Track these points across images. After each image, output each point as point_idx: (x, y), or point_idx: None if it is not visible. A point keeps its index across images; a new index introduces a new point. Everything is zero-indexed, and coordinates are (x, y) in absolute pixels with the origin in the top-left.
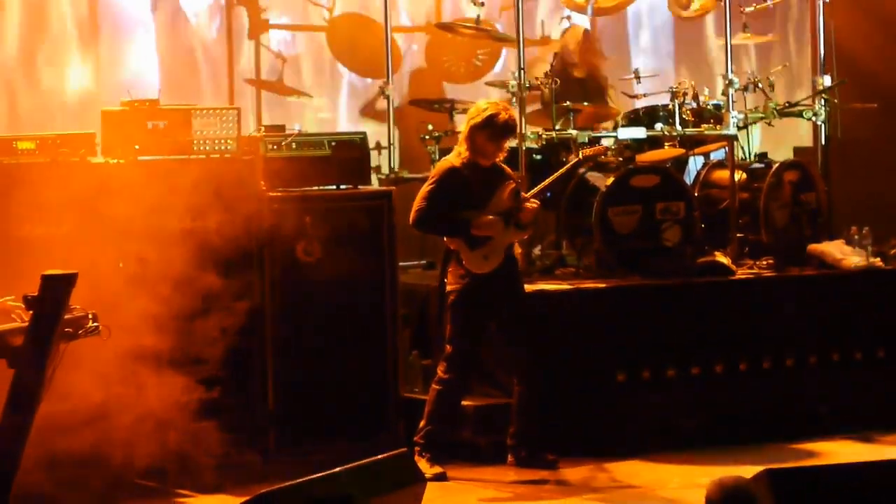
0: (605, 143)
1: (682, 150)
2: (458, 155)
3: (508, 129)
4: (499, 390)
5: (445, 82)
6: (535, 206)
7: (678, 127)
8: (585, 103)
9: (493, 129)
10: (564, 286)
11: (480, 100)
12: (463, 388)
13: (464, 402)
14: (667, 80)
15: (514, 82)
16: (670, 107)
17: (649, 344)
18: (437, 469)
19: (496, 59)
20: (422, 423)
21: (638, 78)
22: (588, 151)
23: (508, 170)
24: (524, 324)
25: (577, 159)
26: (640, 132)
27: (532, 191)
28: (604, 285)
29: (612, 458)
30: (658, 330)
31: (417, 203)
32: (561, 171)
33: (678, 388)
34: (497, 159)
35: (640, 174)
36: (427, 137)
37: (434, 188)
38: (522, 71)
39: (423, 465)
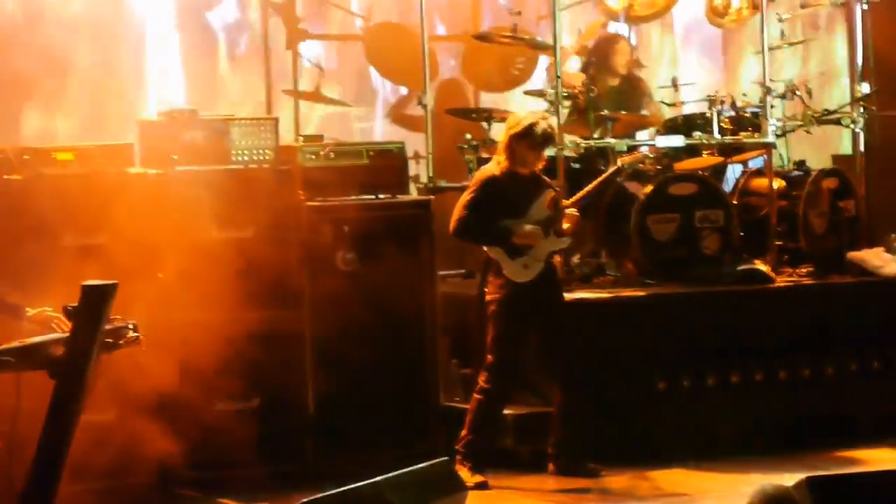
0: (643, 150)
1: (720, 159)
2: (497, 164)
3: (548, 138)
4: (539, 399)
5: (482, 91)
6: (575, 214)
7: (716, 135)
8: (623, 112)
9: (532, 138)
10: (603, 294)
11: (518, 109)
12: (504, 398)
13: (505, 411)
14: (706, 89)
15: (551, 91)
16: (708, 115)
17: (689, 352)
18: (479, 478)
19: (533, 68)
20: (463, 432)
21: (676, 86)
22: (627, 159)
23: (547, 179)
24: (564, 332)
25: (615, 167)
26: (678, 140)
27: (571, 199)
28: (643, 293)
29: (654, 467)
30: (697, 338)
31: (457, 212)
32: (600, 179)
33: (718, 396)
34: (536, 168)
35: (679, 182)
36: (464, 147)
37: (474, 197)
38: (559, 80)
39: (465, 473)
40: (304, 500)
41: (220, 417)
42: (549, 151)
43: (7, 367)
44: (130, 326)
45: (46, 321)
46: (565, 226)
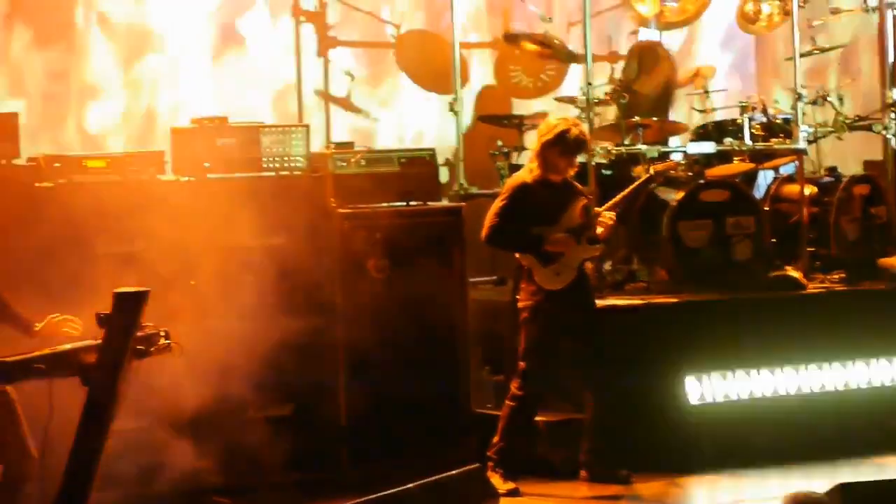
0: (675, 157)
1: (751, 165)
2: (529, 171)
3: (580, 144)
4: (572, 406)
5: (514, 98)
6: (611, 220)
7: (748, 141)
8: (654, 118)
9: (564, 144)
10: (635, 301)
11: (551, 116)
12: (536, 405)
13: (537, 418)
14: (737, 95)
15: (582, 98)
16: (739, 121)
17: (721, 358)
18: (511, 485)
19: (564, 75)
20: (495, 439)
21: (706, 92)
22: (659, 167)
23: (579, 186)
24: (596, 339)
25: (647, 175)
26: (709, 147)
27: (605, 206)
28: (675, 300)
29: (686, 474)
30: (730, 344)
31: (489, 219)
32: (632, 186)
33: (750, 402)
34: (568, 175)
35: (710, 189)
36: (496, 153)
37: (506, 204)
38: (590, 86)
39: (497, 480)
40: None
41: (253, 425)
42: (580, 158)
43: (39, 374)
44: (162, 333)
45: (56, 328)
46: (599, 231)
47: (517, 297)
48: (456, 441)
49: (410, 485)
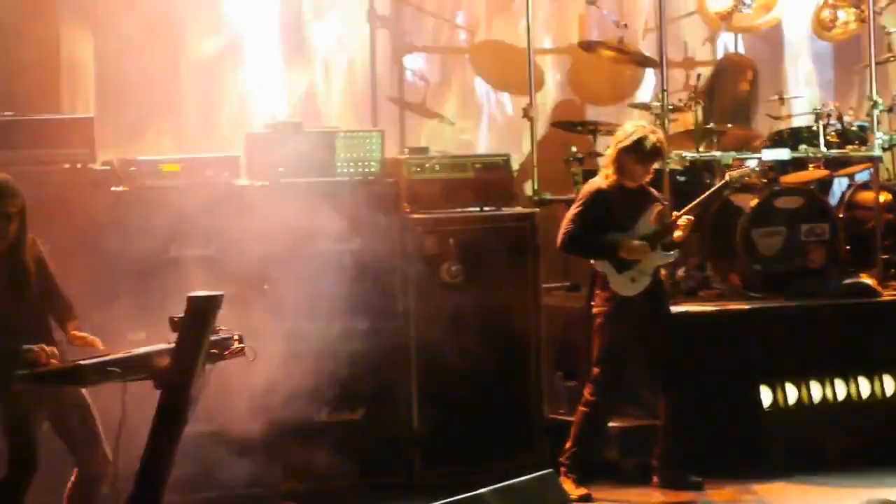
0: (750, 164)
1: (826, 172)
2: (604, 177)
3: (657, 152)
4: (644, 412)
5: (588, 104)
6: (686, 227)
7: (822, 148)
8: (729, 125)
9: (641, 152)
10: (709, 308)
11: (628, 122)
12: (609, 410)
13: (610, 424)
14: (813, 102)
15: (657, 104)
16: (814, 128)
17: (794, 365)
18: (583, 490)
19: (639, 81)
20: (568, 445)
21: (782, 100)
22: (734, 174)
23: (655, 192)
24: (670, 346)
25: (723, 181)
26: (784, 154)
27: (681, 212)
28: (748, 307)
29: (758, 481)
30: (803, 352)
31: (565, 225)
32: (708, 192)
33: (824, 409)
34: (644, 182)
35: (785, 196)
36: (570, 159)
37: (581, 210)
38: (666, 93)
39: (569, 486)
40: None
41: (324, 429)
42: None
43: (114, 377)
44: (236, 337)
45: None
46: (677, 235)
47: (592, 303)
48: (529, 446)
49: (483, 490)
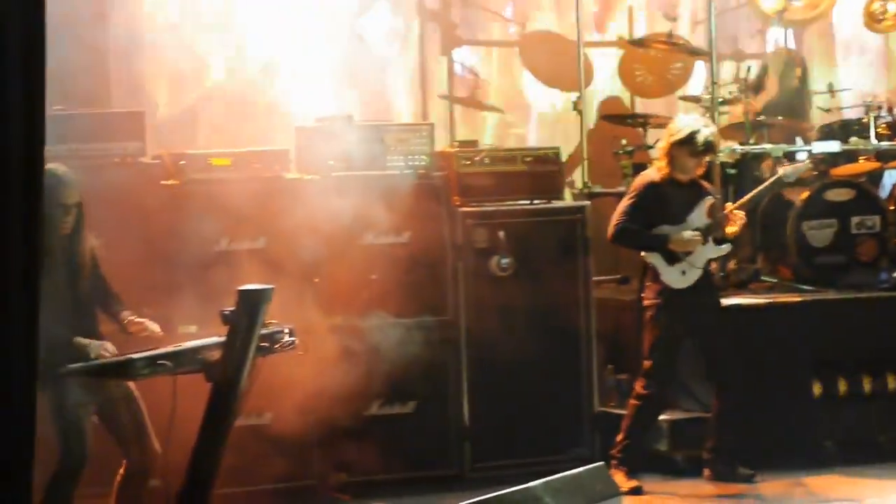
0: (801, 158)
1: (877, 164)
2: (657, 170)
3: (709, 146)
4: (696, 404)
5: (638, 97)
6: (739, 220)
7: (873, 140)
8: (780, 118)
9: (693, 145)
10: (760, 300)
11: (680, 115)
12: (661, 403)
13: (661, 416)
14: (863, 94)
15: (707, 97)
16: (865, 120)
17: (845, 358)
18: (634, 483)
19: (689, 74)
20: (619, 437)
21: (832, 92)
22: (788, 169)
23: (707, 186)
24: (721, 338)
25: (776, 177)
26: (834, 146)
27: (734, 205)
28: (799, 299)
29: (810, 473)
30: (854, 344)
31: (616, 217)
32: (760, 188)
33: (875, 401)
34: (696, 175)
35: (835, 188)
36: (620, 152)
37: (633, 203)
38: (715, 85)
39: (620, 478)
40: (462, 503)
41: (375, 422)
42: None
43: (164, 371)
44: (286, 331)
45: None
46: (730, 230)
47: (642, 295)
48: (579, 440)
49: (534, 482)
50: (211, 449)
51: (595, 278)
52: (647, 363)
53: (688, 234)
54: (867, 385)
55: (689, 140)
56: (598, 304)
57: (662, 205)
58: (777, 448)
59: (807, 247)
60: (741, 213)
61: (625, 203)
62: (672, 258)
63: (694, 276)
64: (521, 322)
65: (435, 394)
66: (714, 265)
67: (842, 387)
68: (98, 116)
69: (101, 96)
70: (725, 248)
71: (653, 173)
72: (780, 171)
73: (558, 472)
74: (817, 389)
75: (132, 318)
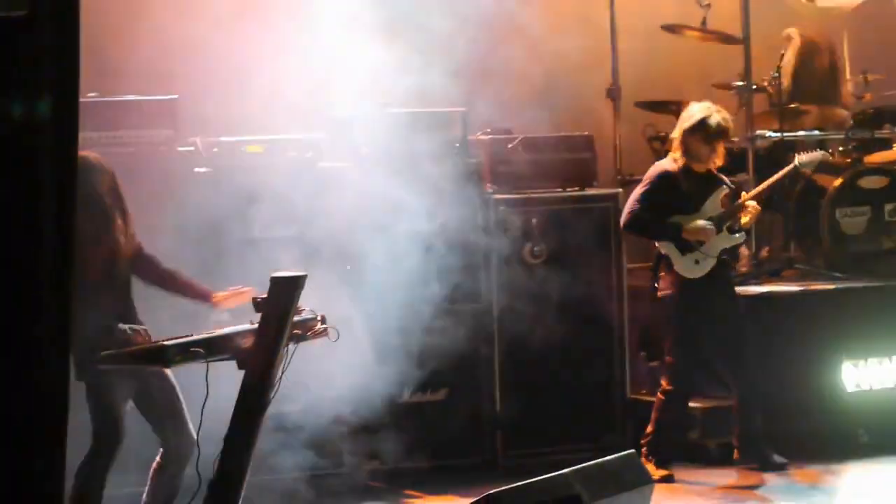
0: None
1: None
2: (672, 160)
3: (721, 131)
4: (727, 391)
5: (671, 83)
6: (756, 208)
7: None
8: (813, 104)
9: (705, 131)
10: (793, 288)
11: (692, 103)
12: (686, 397)
13: (692, 404)
14: None
15: (740, 83)
16: None
17: (878, 345)
18: (664, 472)
19: (723, 61)
20: (648, 429)
21: (867, 79)
22: (804, 158)
23: (722, 176)
24: (736, 327)
25: (792, 165)
26: (868, 133)
27: (749, 195)
28: (832, 287)
29: (841, 461)
30: (887, 331)
31: (629, 205)
32: (775, 177)
33: None
34: (712, 164)
35: (869, 175)
36: (653, 139)
37: (646, 191)
38: (749, 73)
39: (651, 467)
40: (490, 492)
41: (407, 409)
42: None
43: (197, 358)
44: (319, 318)
45: (235, 298)
46: (744, 220)
47: (656, 285)
48: (611, 427)
49: (565, 470)
50: (243, 437)
51: (628, 266)
52: (669, 359)
53: (701, 222)
54: None
55: (701, 126)
56: (630, 292)
57: (676, 194)
58: (809, 436)
59: (839, 234)
60: (754, 204)
61: (638, 191)
62: (685, 248)
63: (708, 265)
64: (553, 310)
65: (467, 382)
66: (745, 252)
67: (875, 375)
68: (131, 103)
69: (135, 82)
70: (740, 237)
71: (668, 163)
72: (796, 159)
73: (590, 460)
74: (850, 377)
75: (217, 295)
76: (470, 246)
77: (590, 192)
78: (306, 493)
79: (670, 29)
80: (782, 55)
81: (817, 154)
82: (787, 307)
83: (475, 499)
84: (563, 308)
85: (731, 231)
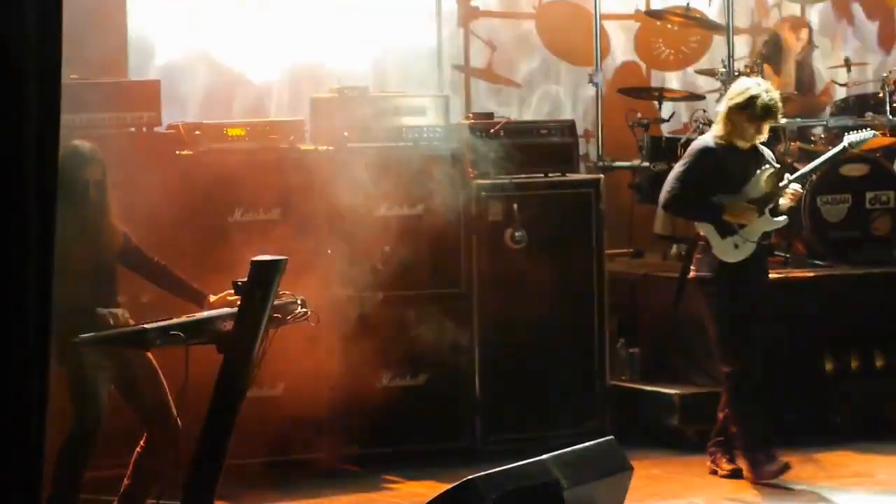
0: (817, 131)
1: (892, 139)
2: (714, 135)
3: (770, 110)
4: (706, 379)
5: (654, 70)
6: (798, 191)
7: (889, 116)
8: (795, 92)
9: (754, 109)
10: (773, 275)
11: (742, 78)
12: (751, 373)
13: (670, 391)
14: (880, 69)
15: (722, 70)
16: (881, 95)
17: (858, 333)
18: (732, 466)
19: (706, 47)
20: (732, 428)
21: (848, 67)
22: (854, 138)
23: (769, 154)
24: (758, 322)
25: (841, 146)
26: (849, 121)
27: (793, 176)
28: (812, 274)
29: (821, 448)
30: (867, 319)
31: (669, 184)
32: (824, 158)
33: (887, 377)
34: (756, 142)
35: (850, 163)
36: (635, 125)
37: (686, 169)
38: (731, 59)
39: (723, 464)
40: (471, 476)
41: (386, 394)
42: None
43: (177, 342)
44: (299, 302)
45: (229, 306)
46: (783, 202)
47: (691, 266)
48: (591, 413)
49: (544, 456)
50: (222, 420)
51: (608, 252)
52: (725, 369)
53: (743, 203)
54: (879, 361)
55: (749, 104)
56: (611, 278)
57: (718, 172)
58: (788, 424)
59: (820, 221)
60: (797, 187)
61: (678, 169)
62: (725, 229)
63: (747, 249)
64: (534, 295)
65: (447, 366)
66: (775, 239)
67: (854, 363)
68: (113, 85)
69: (116, 66)
70: (782, 220)
71: (709, 138)
72: (846, 139)
73: (569, 446)
74: (829, 365)
75: (214, 299)
76: (451, 231)
77: (572, 177)
78: (282, 477)
79: (655, 15)
80: (764, 42)
81: (867, 133)
82: (767, 294)
83: (454, 484)
84: (543, 293)
85: (774, 214)
